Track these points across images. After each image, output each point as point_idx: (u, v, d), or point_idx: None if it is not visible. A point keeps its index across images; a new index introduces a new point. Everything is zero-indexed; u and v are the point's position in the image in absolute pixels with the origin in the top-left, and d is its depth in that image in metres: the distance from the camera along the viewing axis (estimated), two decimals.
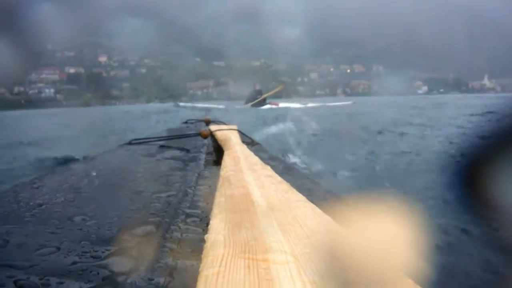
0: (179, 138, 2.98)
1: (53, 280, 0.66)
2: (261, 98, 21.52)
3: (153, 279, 0.69)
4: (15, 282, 0.65)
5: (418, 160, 5.21)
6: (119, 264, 0.74)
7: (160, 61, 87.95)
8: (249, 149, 2.05)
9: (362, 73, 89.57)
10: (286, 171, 1.92)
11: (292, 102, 24.25)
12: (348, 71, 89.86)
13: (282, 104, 21.70)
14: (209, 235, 0.67)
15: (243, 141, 2.44)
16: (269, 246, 0.61)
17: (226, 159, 1.69)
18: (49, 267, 0.72)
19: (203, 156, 2.36)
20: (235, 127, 3.12)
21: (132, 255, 0.78)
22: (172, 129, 4.84)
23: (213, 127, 3.16)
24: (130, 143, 2.71)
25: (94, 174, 1.70)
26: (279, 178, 1.22)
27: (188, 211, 1.12)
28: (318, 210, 0.82)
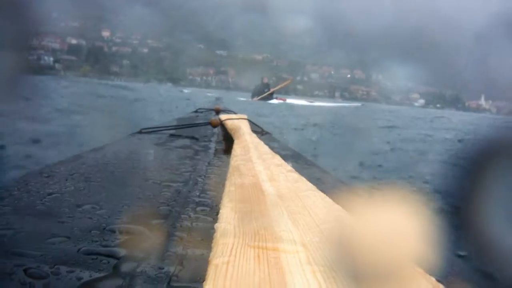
0: (189, 127, 2.99)
1: (63, 269, 0.66)
2: (269, 92, 20.97)
3: (163, 268, 0.69)
4: (25, 270, 0.65)
5: None
6: (129, 252, 0.74)
7: (163, 43, 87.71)
8: (259, 138, 2.05)
9: (362, 80, 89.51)
10: (296, 160, 1.91)
11: (297, 99, 24.10)
12: (348, 76, 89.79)
13: (289, 100, 21.52)
14: (219, 224, 0.67)
15: (253, 130, 2.43)
16: (278, 235, 0.61)
17: (236, 148, 1.69)
18: (59, 256, 0.72)
19: (213, 145, 2.36)
20: (245, 116, 3.12)
21: (142, 244, 0.78)
22: (182, 118, 4.84)
23: (223, 116, 3.15)
24: (140, 132, 2.71)
25: (104, 163, 1.70)
26: (289, 167, 1.22)
27: (198, 200, 1.13)
28: (327, 199, 0.82)
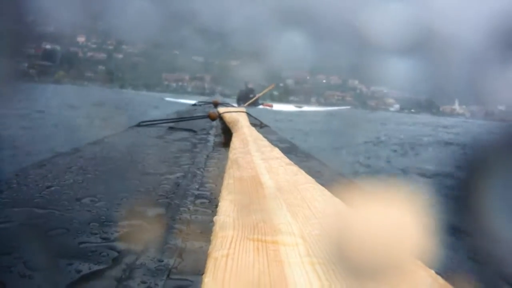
0: (188, 120, 2.99)
1: (63, 262, 0.66)
2: (255, 98, 20.14)
3: (162, 260, 0.69)
4: (24, 263, 0.65)
5: None
6: (128, 245, 0.74)
7: (137, 49, 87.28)
8: (258, 131, 2.05)
9: (338, 85, 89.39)
10: (295, 153, 1.91)
11: (284, 104, 23.48)
12: (324, 81, 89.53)
13: (276, 106, 20.84)
14: (218, 217, 0.67)
15: (252, 123, 2.43)
16: (278, 228, 0.61)
17: (235, 141, 1.69)
18: (59, 249, 0.72)
19: (211, 138, 2.36)
20: (243, 109, 3.12)
21: (141, 236, 0.78)
22: (181, 111, 4.84)
23: (221, 109, 3.16)
24: (139, 125, 2.71)
25: (103, 156, 1.70)
26: (287, 160, 1.22)
27: (197, 192, 1.13)
28: (326, 192, 0.82)
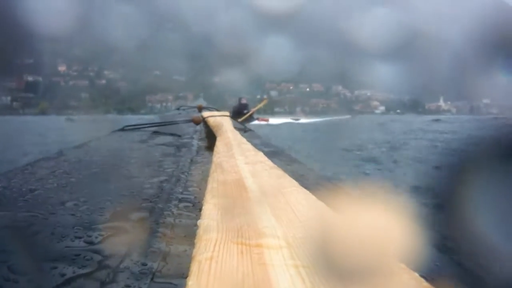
0: (172, 124, 2.99)
1: (47, 265, 0.66)
2: (250, 113, 19.60)
3: (146, 264, 0.69)
4: (8, 267, 0.65)
5: None
6: (112, 249, 0.74)
7: (119, 73, 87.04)
8: (242, 135, 2.05)
9: (321, 93, 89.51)
10: (279, 157, 1.92)
11: (280, 118, 22.72)
12: (308, 89, 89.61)
13: (272, 120, 20.39)
14: (202, 221, 0.68)
15: (236, 128, 2.44)
16: (262, 231, 0.61)
17: (219, 145, 1.70)
18: (42, 252, 0.72)
19: (195, 142, 2.36)
20: (227, 113, 3.13)
21: (125, 240, 0.78)
22: (165, 115, 4.84)
23: (205, 114, 3.17)
24: (123, 129, 2.70)
25: (87, 159, 1.70)
26: (271, 164, 1.22)
27: (181, 196, 1.13)
28: (311, 196, 0.83)
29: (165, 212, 0.96)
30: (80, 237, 0.79)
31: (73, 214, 0.92)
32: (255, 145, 1.68)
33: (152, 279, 0.65)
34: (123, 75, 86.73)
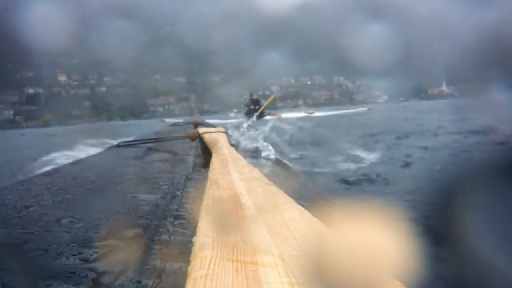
0: (167, 140, 2.98)
1: (42, 283, 0.66)
2: (262, 108, 19.21)
3: (141, 281, 0.69)
4: (3, 284, 0.65)
5: None
6: (107, 266, 0.74)
7: (119, 79, 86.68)
8: (237, 151, 2.05)
9: (323, 85, 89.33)
10: (275, 173, 1.92)
11: (292, 112, 21.78)
12: (309, 82, 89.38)
13: (284, 115, 19.44)
14: (197, 238, 0.68)
15: (231, 144, 2.44)
16: (257, 248, 0.61)
17: (214, 162, 1.69)
18: (37, 270, 0.72)
19: (191, 158, 2.35)
20: (223, 129, 3.13)
21: (120, 257, 0.78)
22: (160, 131, 4.83)
23: (201, 130, 3.16)
24: (118, 146, 2.70)
25: (82, 176, 1.70)
26: (267, 181, 1.22)
27: (176, 213, 1.12)
28: (306, 212, 0.83)
29: (160, 229, 0.96)
30: (75, 254, 0.79)
31: (68, 231, 0.92)
32: (250, 162, 1.69)
33: None
34: (124, 80, 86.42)
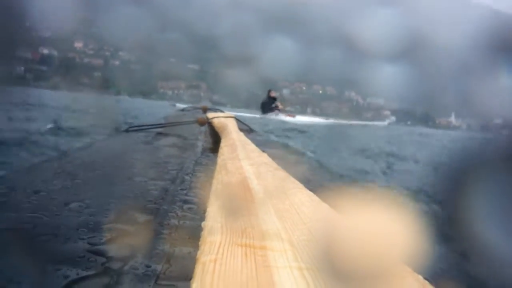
0: (177, 125, 2.98)
1: (51, 267, 0.66)
2: (281, 107, 18.66)
3: (150, 266, 0.69)
4: (12, 268, 0.65)
5: None
6: (116, 250, 0.74)
7: (134, 56, 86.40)
8: (246, 136, 2.05)
9: (333, 96, 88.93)
10: (284, 159, 1.91)
11: (306, 116, 21.05)
12: (320, 91, 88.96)
13: (299, 118, 18.58)
14: (206, 222, 0.67)
15: (240, 129, 2.43)
16: (266, 233, 0.61)
17: (223, 147, 1.69)
18: (46, 254, 0.72)
19: (200, 143, 2.35)
20: (232, 115, 3.12)
21: (129, 242, 0.78)
22: (169, 116, 4.83)
23: (210, 115, 3.16)
24: (127, 131, 2.70)
25: (91, 161, 1.70)
26: (276, 166, 1.22)
27: (185, 198, 1.12)
28: (315, 197, 0.82)
29: (170, 214, 0.96)
30: (84, 239, 0.79)
31: (77, 216, 0.92)
32: (259, 147, 1.68)
33: (156, 281, 0.65)
34: (139, 57, 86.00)
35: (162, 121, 3.63)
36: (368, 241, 0.55)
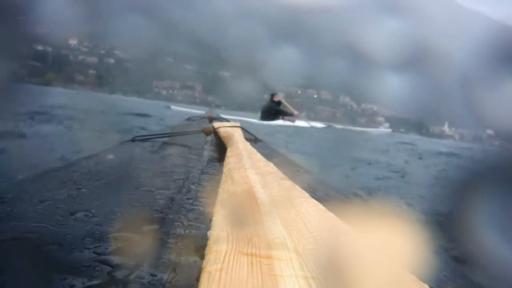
0: (182, 135, 2.99)
1: (56, 277, 0.66)
2: (296, 112, 17.57)
3: (156, 275, 0.69)
4: (17, 278, 0.65)
5: None
6: (122, 260, 0.74)
7: (129, 55, 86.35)
8: (252, 146, 2.05)
9: (328, 101, 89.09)
10: (290, 168, 1.92)
11: (306, 121, 20.29)
12: (315, 96, 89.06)
13: (298, 122, 17.77)
14: (212, 232, 0.68)
15: (246, 138, 2.44)
16: (272, 242, 0.61)
17: (229, 156, 1.70)
18: (52, 264, 0.72)
19: (206, 152, 2.36)
20: (238, 124, 3.13)
21: (135, 251, 0.78)
22: (175, 126, 4.84)
23: (216, 124, 3.17)
24: (133, 140, 2.70)
25: (97, 170, 1.70)
26: (282, 175, 1.22)
27: (191, 207, 1.13)
28: (321, 207, 0.83)
29: (175, 223, 0.96)
30: (89, 248, 0.79)
31: (83, 225, 0.92)
32: (265, 156, 1.68)
33: None
34: (134, 56, 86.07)
35: (168, 131, 3.63)
36: (374, 250, 0.55)
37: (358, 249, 0.58)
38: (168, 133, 3.09)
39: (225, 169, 1.40)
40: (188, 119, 5.77)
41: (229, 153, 1.85)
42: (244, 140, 2.29)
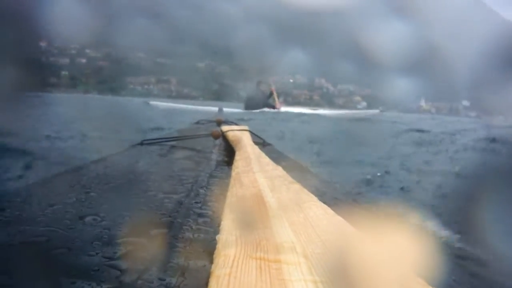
0: (191, 138, 2.99)
1: (65, 281, 0.66)
2: (274, 104, 16.97)
3: (164, 279, 0.69)
4: (26, 282, 0.65)
5: None
6: (130, 264, 0.74)
7: (101, 53, 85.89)
8: (261, 149, 2.05)
9: (304, 84, 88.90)
10: (298, 172, 1.91)
11: (295, 107, 20.12)
12: (291, 80, 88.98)
13: (284, 109, 17.29)
14: (221, 236, 0.68)
15: (255, 142, 2.44)
16: (280, 246, 0.61)
17: (238, 160, 1.70)
18: (60, 268, 0.72)
19: (214, 156, 2.36)
20: (246, 127, 3.13)
21: (143, 255, 0.78)
22: (184, 129, 4.85)
23: (224, 128, 3.17)
24: (141, 144, 2.71)
25: (106, 174, 1.70)
26: (290, 179, 1.22)
27: (199, 211, 1.13)
28: (329, 211, 0.82)
29: (184, 227, 0.96)
30: (98, 252, 0.79)
31: (92, 229, 0.92)
32: (274, 160, 1.68)
33: None
34: (106, 54, 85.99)
35: (176, 134, 3.64)
36: (382, 254, 0.55)
37: (366, 253, 0.58)
38: (176, 137, 3.09)
39: (233, 173, 1.40)
40: (197, 122, 5.77)
41: (237, 156, 1.85)
42: (253, 143, 2.29)
